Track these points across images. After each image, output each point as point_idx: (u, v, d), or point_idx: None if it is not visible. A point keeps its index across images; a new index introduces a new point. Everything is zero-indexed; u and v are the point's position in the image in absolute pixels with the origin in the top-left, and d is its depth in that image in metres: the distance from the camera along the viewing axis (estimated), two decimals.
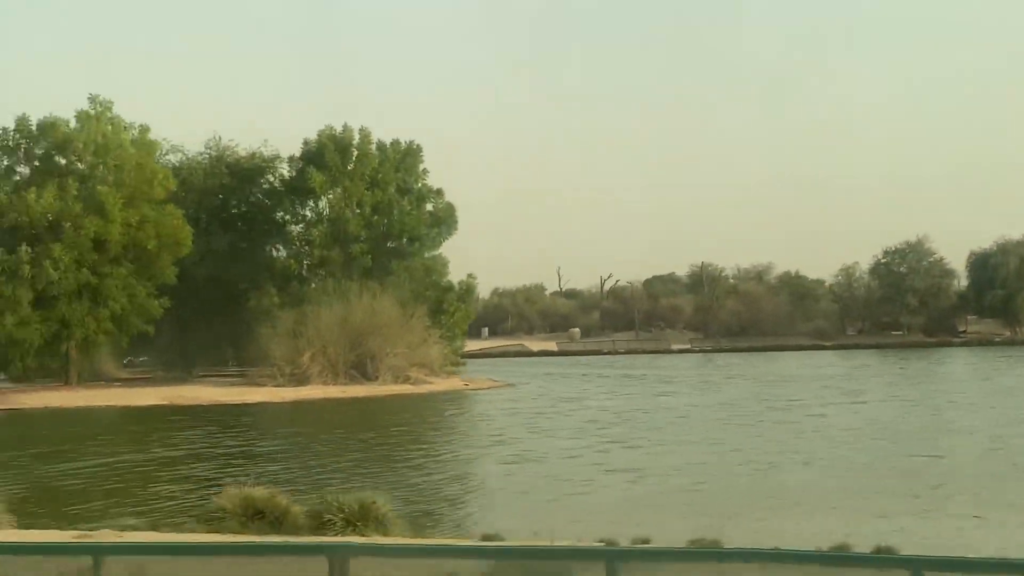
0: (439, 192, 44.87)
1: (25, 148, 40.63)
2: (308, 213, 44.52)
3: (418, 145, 44.85)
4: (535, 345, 78.73)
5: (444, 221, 44.37)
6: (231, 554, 6.36)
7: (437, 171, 50.61)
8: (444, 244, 45.09)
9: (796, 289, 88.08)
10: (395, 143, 44.77)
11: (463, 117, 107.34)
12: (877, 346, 72.79)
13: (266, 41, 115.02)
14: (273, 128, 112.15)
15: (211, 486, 16.62)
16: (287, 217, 45.63)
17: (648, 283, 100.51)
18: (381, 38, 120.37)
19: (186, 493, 15.76)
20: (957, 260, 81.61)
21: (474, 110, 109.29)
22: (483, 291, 76.34)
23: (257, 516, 10.87)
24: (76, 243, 38.66)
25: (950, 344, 73.17)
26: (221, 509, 11.00)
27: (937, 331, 77.63)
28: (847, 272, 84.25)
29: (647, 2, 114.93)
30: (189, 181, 44.19)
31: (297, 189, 44.13)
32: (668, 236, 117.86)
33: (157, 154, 42.66)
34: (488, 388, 39.60)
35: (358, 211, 43.14)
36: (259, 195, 46.29)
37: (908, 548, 8.53)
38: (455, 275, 45.05)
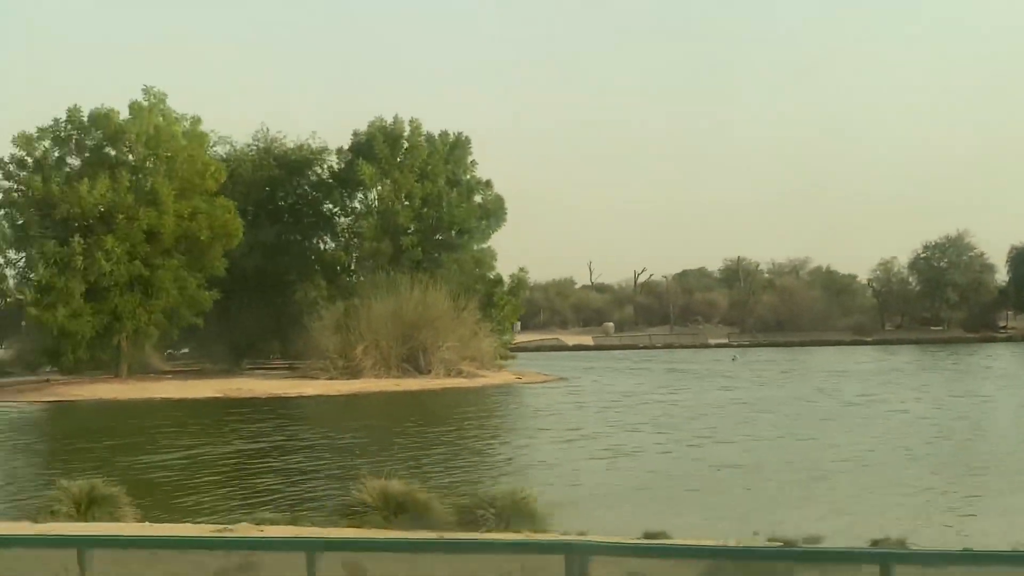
0: (488, 184, 44.50)
1: (76, 139, 40.52)
2: (357, 205, 44.23)
3: (467, 137, 44.55)
4: (570, 339, 78.26)
5: (493, 213, 43.97)
6: (450, 551, 5.98)
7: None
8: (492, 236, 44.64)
9: (832, 284, 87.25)
10: (443, 135, 44.42)
11: (489, 110, 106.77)
12: (917, 341, 71.81)
13: (294, 35, 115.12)
14: (306, 121, 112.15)
15: (311, 479, 16.36)
16: (335, 209, 45.37)
17: (678, 277, 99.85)
18: (408, 31, 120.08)
19: (289, 486, 15.45)
20: (997, 255, 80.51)
21: (501, 103, 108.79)
22: None
23: (400, 511, 10.51)
24: (128, 235, 38.53)
25: (992, 340, 72.07)
26: (362, 503, 10.64)
27: (978, 327, 76.54)
28: (885, 267, 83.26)
29: None
30: (237, 173, 43.99)
31: (346, 181, 43.86)
32: (698, 230, 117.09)
33: (205, 146, 42.45)
34: (541, 382, 39.17)
35: (407, 203, 42.81)
36: (306, 187, 46.05)
37: None
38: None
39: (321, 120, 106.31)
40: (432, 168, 43.08)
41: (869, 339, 73.04)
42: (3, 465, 19.05)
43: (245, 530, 10.48)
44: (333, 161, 44.87)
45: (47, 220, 39.38)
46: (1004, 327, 79.49)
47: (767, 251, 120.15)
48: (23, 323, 74.61)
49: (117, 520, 11.73)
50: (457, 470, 16.53)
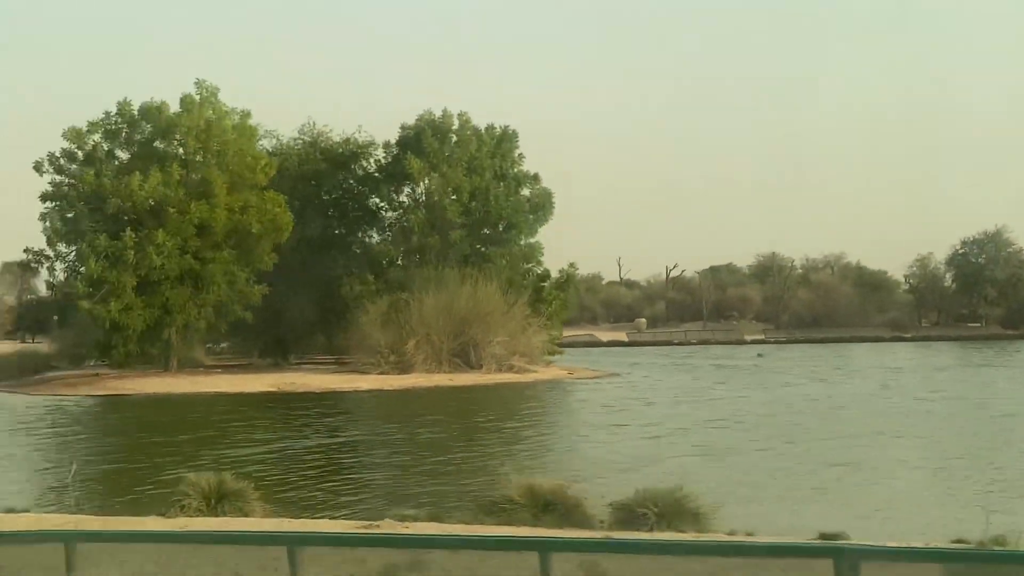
0: (535, 177, 44.14)
1: (126, 133, 40.44)
2: (404, 199, 43.96)
3: (514, 130, 44.16)
4: (604, 335, 77.83)
5: (541, 207, 43.61)
6: (698, 553, 5.64)
7: None
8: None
9: (864, 280, 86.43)
10: (489, 128, 44.09)
11: (513, 102, 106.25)
12: (956, 338, 70.92)
13: (336, 28, 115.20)
14: (349, 114, 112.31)
15: (411, 474, 16.09)
16: (381, 204, 45.13)
17: (706, 273, 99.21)
18: (435, 22, 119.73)
19: (394, 482, 15.20)
20: None
21: (524, 95, 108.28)
22: None
23: (548, 508, 10.21)
24: (179, 228, 38.41)
25: None
26: (508, 500, 10.33)
27: (1017, 323, 75.54)
28: (922, 263, 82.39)
29: None
30: (283, 167, 43.69)
31: (393, 175, 43.61)
32: (725, 226, 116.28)
33: (255, 140, 42.26)
34: (593, 378, 38.80)
35: (454, 197, 42.48)
36: (351, 181, 45.82)
37: None
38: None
39: (361, 115, 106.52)
40: (479, 162, 42.76)
41: (908, 336, 72.27)
42: (92, 459, 18.87)
43: (390, 527, 10.22)
44: (380, 155, 44.60)
45: (97, 214, 39.34)
46: None
47: (793, 247, 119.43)
48: (56, 317, 74.99)
49: (246, 515, 11.50)
50: (555, 467, 16.18)
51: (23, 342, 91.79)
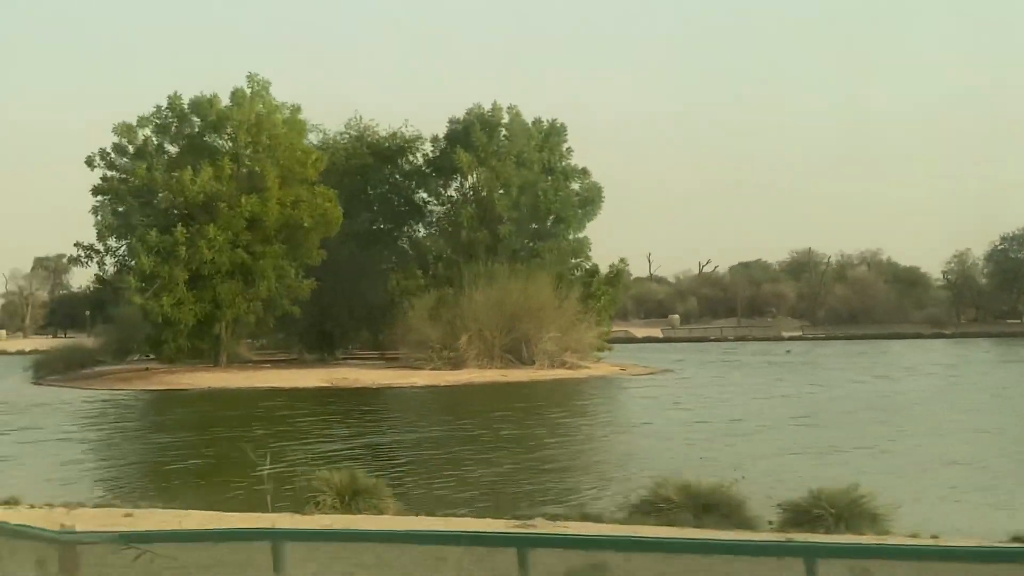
0: (584, 171, 43.72)
1: (176, 127, 40.32)
2: (453, 194, 43.64)
3: (562, 124, 43.78)
4: (638, 331, 77.32)
5: (591, 201, 43.19)
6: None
7: None
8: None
9: (897, 276, 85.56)
10: (537, 122, 43.72)
11: (537, 98, 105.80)
12: (997, 335, 70.05)
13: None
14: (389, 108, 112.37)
15: (518, 471, 15.77)
16: (427, 198, 44.86)
17: (736, 269, 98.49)
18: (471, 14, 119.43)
19: (505, 477, 14.87)
20: None
21: (545, 91, 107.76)
22: None
23: (707, 509, 9.86)
24: (230, 222, 38.26)
25: None
26: (666, 499, 9.99)
27: None
28: (960, 258, 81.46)
29: None
30: (330, 161, 43.52)
31: (441, 169, 43.30)
32: (754, 222, 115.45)
33: (304, 134, 42.05)
34: (647, 374, 38.39)
35: (502, 192, 42.12)
36: (397, 176, 45.56)
37: None
38: None
39: (405, 109, 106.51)
40: (527, 156, 42.39)
41: (948, 332, 71.42)
42: (176, 454, 18.65)
43: (544, 526, 9.90)
44: (428, 149, 44.31)
45: (148, 208, 39.27)
46: None
47: (824, 243, 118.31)
48: (88, 312, 75.26)
49: (381, 512, 11.22)
50: (659, 466, 15.81)
51: (55, 336, 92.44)
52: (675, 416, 23.38)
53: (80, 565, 6.20)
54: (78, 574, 5.71)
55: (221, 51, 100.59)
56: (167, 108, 39.89)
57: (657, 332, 77.25)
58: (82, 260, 40.57)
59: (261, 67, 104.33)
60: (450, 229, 42.53)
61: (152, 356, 47.65)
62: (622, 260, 43.83)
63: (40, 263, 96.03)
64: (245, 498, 13.75)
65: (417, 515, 11.03)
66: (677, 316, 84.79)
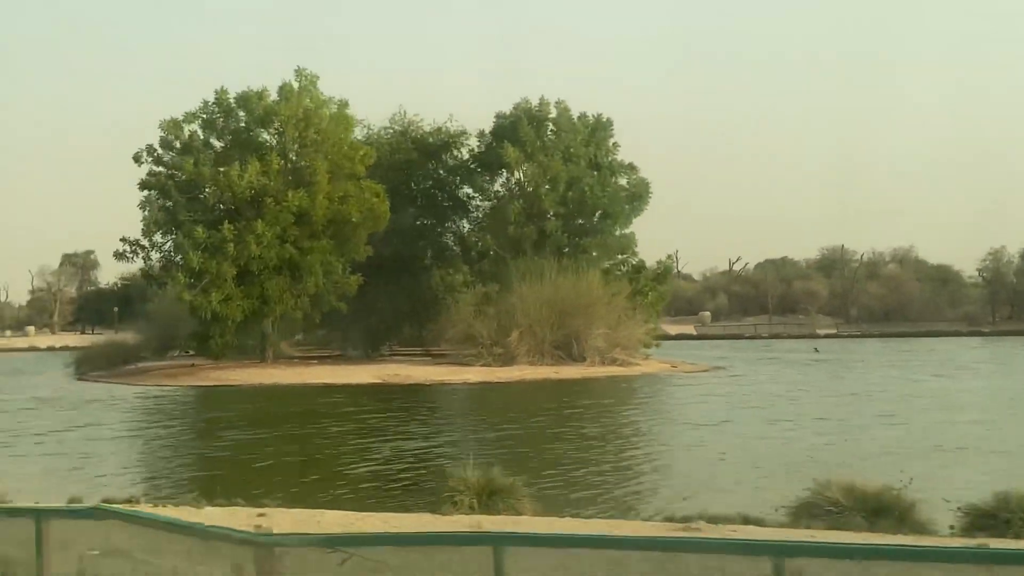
0: (632, 167, 43.28)
1: (222, 122, 40.07)
2: (499, 189, 43.26)
3: (608, 118, 43.32)
4: (670, 328, 76.74)
5: (638, 197, 42.73)
6: None
7: None
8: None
9: (931, 273, 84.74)
10: (582, 116, 43.30)
11: (563, 94, 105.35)
12: None
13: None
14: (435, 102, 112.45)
15: (628, 469, 15.40)
16: (472, 193, 44.48)
17: (763, 266, 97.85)
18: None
19: (613, 476, 14.49)
20: None
21: (569, 87, 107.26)
22: None
23: (879, 512, 9.44)
24: (278, 217, 37.99)
25: None
26: (834, 502, 9.58)
27: None
28: (995, 256, 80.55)
29: None
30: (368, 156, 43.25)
31: (487, 164, 42.93)
32: (779, 220, 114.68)
33: (351, 129, 41.70)
34: (699, 371, 37.90)
35: (547, 187, 41.70)
36: (441, 171, 45.22)
37: None
38: None
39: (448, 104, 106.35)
40: (574, 150, 41.97)
41: (986, 331, 70.64)
42: (260, 452, 18.34)
43: (708, 529, 9.50)
44: (474, 144, 43.93)
45: (194, 203, 39.04)
46: None
47: (852, 240, 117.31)
48: (116, 309, 75.04)
49: (518, 513, 10.85)
50: (770, 465, 15.41)
51: (83, 333, 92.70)
52: (753, 415, 22.90)
53: (279, 568, 5.86)
54: None
55: (254, 50, 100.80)
56: (214, 103, 39.63)
57: (690, 329, 76.68)
58: (127, 255, 40.30)
59: (308, 63, 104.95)
60: (497, 224, 42.02)
61: (193, 352, 47.56)
62: (669, 256, 43.43)
63: (68, 259, 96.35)
64: (355, 497, 13.45)
65: (561, 516, 10.67)
66: (708, 313, 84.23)
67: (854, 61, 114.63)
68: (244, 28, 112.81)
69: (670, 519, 10.08)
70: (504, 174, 42.77)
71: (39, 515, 6.96)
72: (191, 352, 48.04)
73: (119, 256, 40.47)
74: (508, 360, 37.46)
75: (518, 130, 41.20)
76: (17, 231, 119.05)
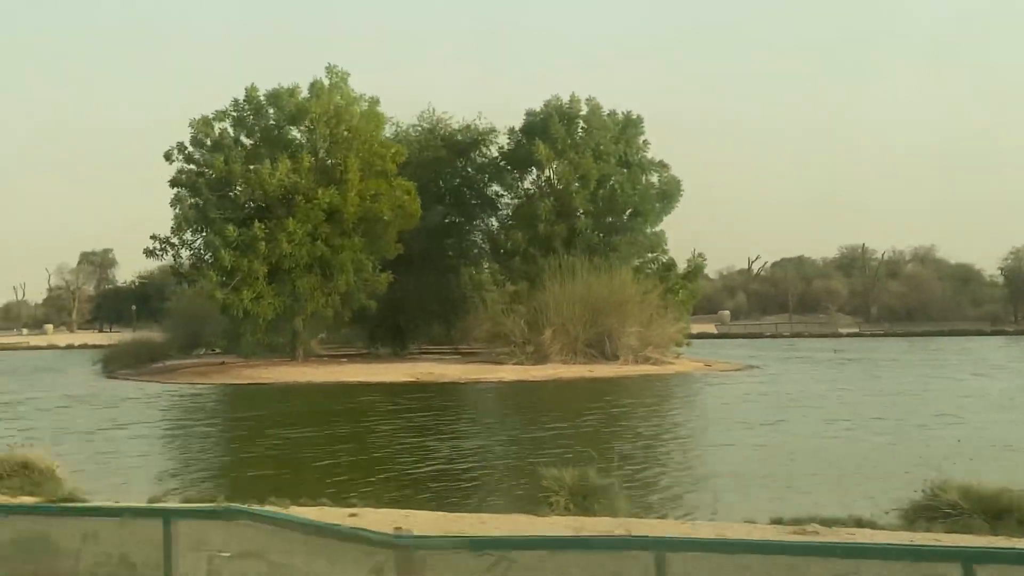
0: (663, 164, 42.99)
1: (252, 119, 39.92)
2: (529, 186, 43.01)
3: (639, 116, 43.05)
4: (692, 327, 76.34)
5: (669, 195, 42.45)
6: None
7: None
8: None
9: (951, 272, 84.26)
10: (612, 114, 43.03)
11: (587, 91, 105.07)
12: None
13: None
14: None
15: (696, 471, 15.17)
16: (500, 191, 44.29)
17: (781, 265, 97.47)
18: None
19: (685, 479, 14.26)
20: None
21: (589, 84, 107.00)
22: None
23: (1000, 515, 9.18)
24: (309, 215, 37.84)
25: None
26: (951, 504, 9.32)
27: None
28: (1017, 255, 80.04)
29: None
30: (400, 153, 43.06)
31: (517, 161, 42.70)
32: (794, 220, 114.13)
33: (382, 127, 41.51)
34: (734, 370, 37.60)
35: (577, 185, 41.43)
36: (469, 169, 45.02)
37: None
38: None
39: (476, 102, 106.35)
40: (604, 148, 41.71)
41: (1010, 330, 70.20)
42: (315, 451, 18.16)
43: (826, 533, 9.25)
44: (504, 142, 43.70)
45: (224, 201, 38.91)
46: None
47: (867, 239, 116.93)
48: (138, 307, 74.85)
49: (614, 515, 10.61)
50: (848, 466, 15.14)
51: (101, 331, 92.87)
52: (805, 414, 22.61)
53: (420, 571, 5.64)
54: None
55: (299, 47, 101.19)
56: (244, 100, 39.49)
57: (709, 328, 76.33)
58: (157, 253, 40.20)
59: (337, 60, 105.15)
60: (527, 222, 41.73)
61: (219, 350, 47.48)
62: (699, 255, 43.10)
63: (86, 258, 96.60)
64: (430, 496, 13.24)
65: (664, 519, 10.45)
66: (727, 312, 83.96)
67: (870, 55, 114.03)
68: (242, 30, 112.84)
69: (778, 522, 9.83)
70: (534, 172, 42.51)
71: (167, 515, 6.75)
72: (217, 350, 48.01)
73: (149, 253, 40.39)
74: (541, 358, 37.26)
75: (549, 127, 40.97)
76: (32, 231, 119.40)
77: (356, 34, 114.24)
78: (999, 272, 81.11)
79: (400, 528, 7.53)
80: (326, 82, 38.90)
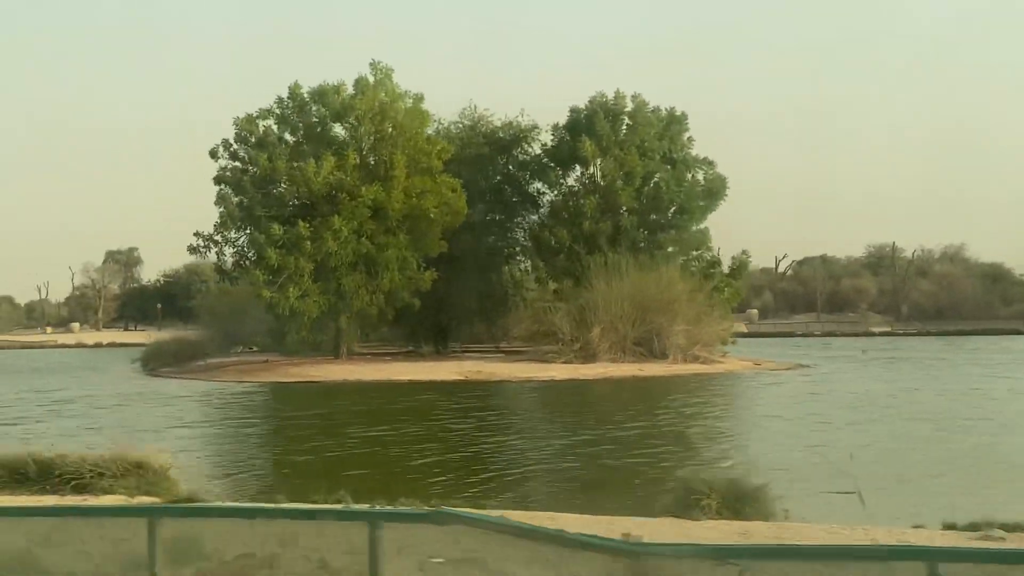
0: (708, 162, 42.58)
1: (296, 116, 39.70)
2: (573, 183, 42.65)
3: (683, 112, 42.65)
4: None
5: (714, 192, 42.03)
6: None
7: None
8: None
9: (981, 271, 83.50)
10: (656, 110, 42.64)
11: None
12: None
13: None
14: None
15: (802, 471, 14.82)
16: (543, 188, 43.92)
17: (810, 263, 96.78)
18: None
19: (794, 480, 13.89)
20: None
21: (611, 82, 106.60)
22: None
23: None
24: (353, 212, 37.58)
25: None
26: None
27: None
28: None
29: None
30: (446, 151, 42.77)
31: (560, 158, 42.35)
32: (818, 217, 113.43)
33: (427, 124, 41.19)
34: (785, 369, 37.18)
35: (622, 181, 41.03)
36: (511, 166, 44.68)
37: None
38: None
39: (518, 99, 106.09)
40: (648, 144, 41.32)
41: None
42: (400, 450, 17.88)
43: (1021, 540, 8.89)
44: (547, 139, 43.34)
45: (269, 199, 38.69)
46: None
47: (895, 237, 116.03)
48: (163, 305, 74.67)
49: (765, 519, 10.27)
50: (956, 468, 14.78)
51: (126, 329, 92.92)
52: (881, 414, 22.21)
53: None
54: None
55: (338, 45, 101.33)
56: (288, 97, 39.27)
57: (740, 327, 75.73)
58: (200, 250, 40.03)
59: (337, 60, 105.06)
60: (572, 220, 41.32)
61: (257, 348, 47.33)
62: (743, 252, 42.69)
63: (111, 256, 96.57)
64: (547, 498, 12.96)
65: (820, 524, 10.10)
66: (755, 311, 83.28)
67: (870, 55, 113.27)
68: (242, 30, 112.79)
69: (951, 527, 9.47)
70: (578, 169, 42.14)
71: (372, 518, 6.45)
72: (254, 348, 47.85)
73: (193, 250, 40.27)
74: (589, 357, 36.92)
75: (594, 124, 40.59)
76: (55, 230, 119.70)
77: (356, 34, 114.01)
78: None
79: (629, 534, 7.21)
80: (371, 78, 38.60)
